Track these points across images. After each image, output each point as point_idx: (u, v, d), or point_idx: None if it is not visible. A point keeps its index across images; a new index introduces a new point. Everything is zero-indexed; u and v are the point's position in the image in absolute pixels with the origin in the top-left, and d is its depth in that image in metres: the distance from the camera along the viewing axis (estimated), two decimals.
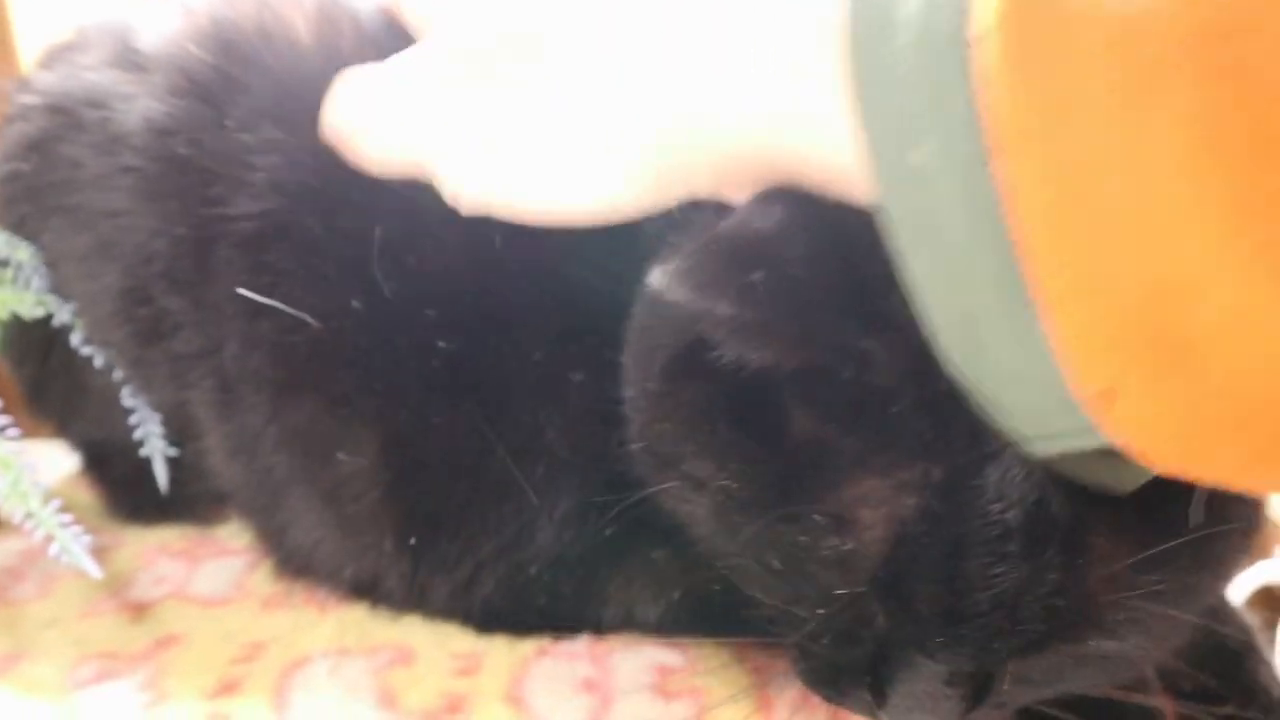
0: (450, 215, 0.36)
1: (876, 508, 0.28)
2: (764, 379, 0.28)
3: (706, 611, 0.40)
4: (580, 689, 0.38)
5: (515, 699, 0.38)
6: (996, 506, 0.26)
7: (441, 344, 0.38)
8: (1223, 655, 0.40)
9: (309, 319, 0.39)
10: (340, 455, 0.40)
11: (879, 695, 0.30)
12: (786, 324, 0.27)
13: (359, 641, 0.41)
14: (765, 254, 0.27)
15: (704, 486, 0.31)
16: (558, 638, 0.41)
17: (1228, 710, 0.38)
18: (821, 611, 0.30)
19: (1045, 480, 0.26)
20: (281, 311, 0.39)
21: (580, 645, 0.40)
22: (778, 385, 0.28)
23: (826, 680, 0.32)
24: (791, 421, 0.29)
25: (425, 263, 0.38)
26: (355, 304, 0.39)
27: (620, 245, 0.33)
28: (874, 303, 0.26)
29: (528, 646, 0.40)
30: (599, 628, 0.41)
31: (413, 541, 0.40)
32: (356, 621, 0.43)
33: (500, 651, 0.40)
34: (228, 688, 0.39)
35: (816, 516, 0.28)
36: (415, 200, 0.37)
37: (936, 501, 0.27)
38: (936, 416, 0.26)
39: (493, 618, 0.42)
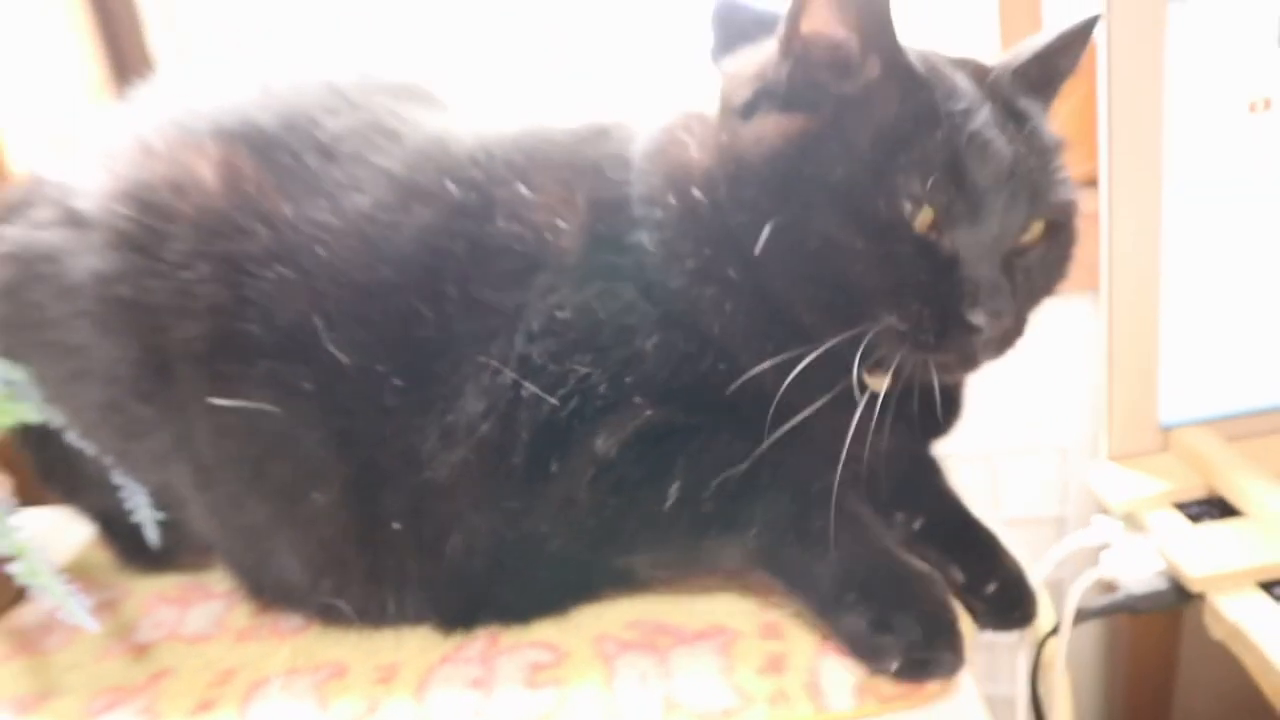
0: (373, 281, 0.48)
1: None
2: None
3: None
4: (470, 686, 0.48)
5: (420, 698, 0.48)
6: None
7: (397, 382, 0.49)
8: (982, 547, 0.52)
9: (270, 408, 0.49)
10: (314, 495, 0.50)
11: (971, 300, 0.43)
12: None
13: (306, 661, 0.52)
14: None
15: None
16: (461, 644, 0.51)
17: (992, 588, 0.51)
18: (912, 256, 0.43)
19: None
20: (243, 403, 0.49)
21: (475, 650, 0.50)
22: None
23: (928, 330, 0.44)
24: None
25: (370, 328, 0.49)
26: (306, 385, 0.49)
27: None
28: None
29: (434, 655, 0.51)
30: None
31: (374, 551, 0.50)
32: (306, 646, 0.53)
33: (414, 661, 0.51)
34: (205, 706, 0.50)
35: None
36: (345, 279, 0.48)
37: None
38: None
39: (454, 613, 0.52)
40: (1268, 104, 0.58)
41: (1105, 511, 0.60)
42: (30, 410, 0.57)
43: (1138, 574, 0.55)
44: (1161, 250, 0.59)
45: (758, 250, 0.45)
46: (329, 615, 0.54)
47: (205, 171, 0.52)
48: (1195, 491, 0.59)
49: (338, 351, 0.48)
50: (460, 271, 0.49)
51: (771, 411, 0.47)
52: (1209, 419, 0.63)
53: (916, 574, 0.48)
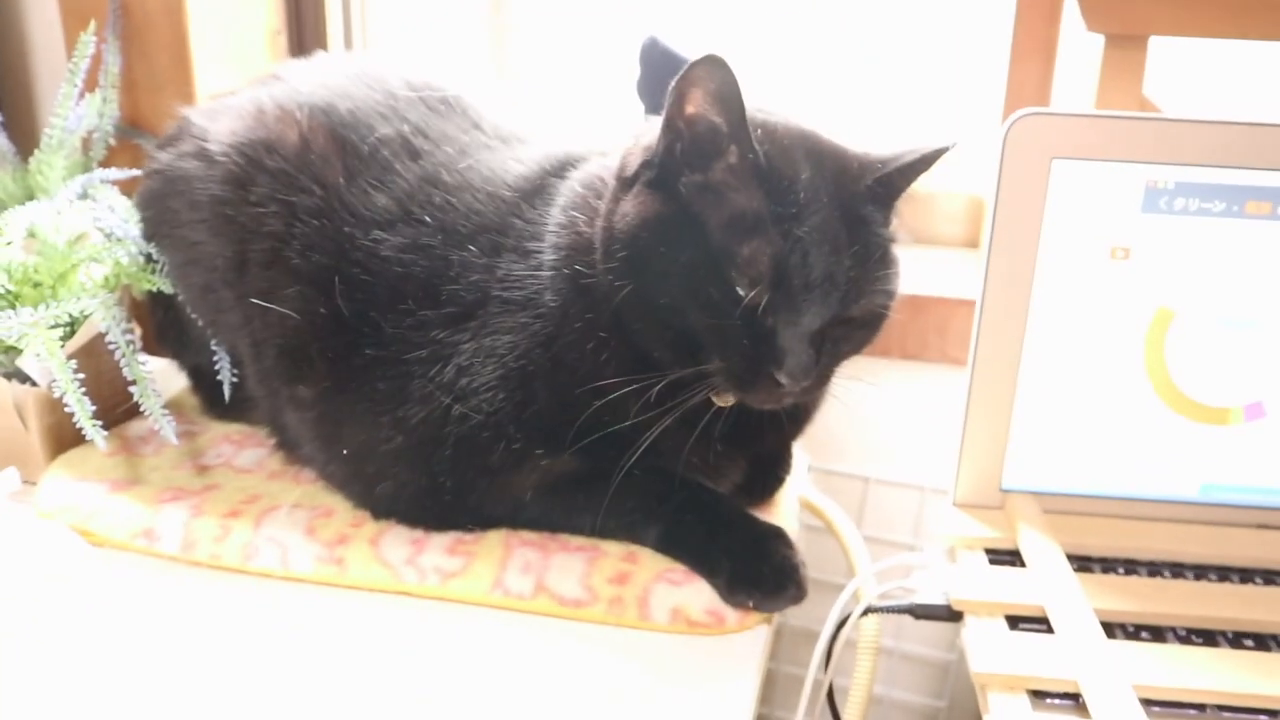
0: (368, 270, 0.66)
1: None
2: None
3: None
4: (409, 543, 0.68)
5: (375, 542, 0.68)
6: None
7: (369, 350, 0.66)
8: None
9: (293, 314, 0.69)
10: (300, 386, 0.69)
11: (778, 365, 0.55)
12: None
13: (309, 502, 0.73)
14: None
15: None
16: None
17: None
18: (739, 325, 0.55)
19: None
20: (273, 307, 0.69)
21: None
22: None
23: (745, 379, 0.56)
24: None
25: (362, 302, 0.66)
26: (321, 310, 0.69)
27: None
28: None
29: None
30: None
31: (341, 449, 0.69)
32: (311, 492, 0.74)
33: (376, 522, 0.70)
34: (233, 513, 0.71)
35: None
36: (355, 256, 0.67)
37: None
38: None
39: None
40: (1127, 253, 0.71)
41: (933, 541, 0.76)
42: (163, 282, 0.79)
43: (933, 591, 0.70)
44: (1022, 353, 0.74)
45: (619, 306, 0.58)
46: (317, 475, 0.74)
47: (292, 138, 0.71)
48: (1007, 544, 0.74)
49: (341, 302, 0.66)
50: (418, 296, 0.65)
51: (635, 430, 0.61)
52: (1039, 491, 0.77)
53: (765, 532, 0.65)
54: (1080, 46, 0.91)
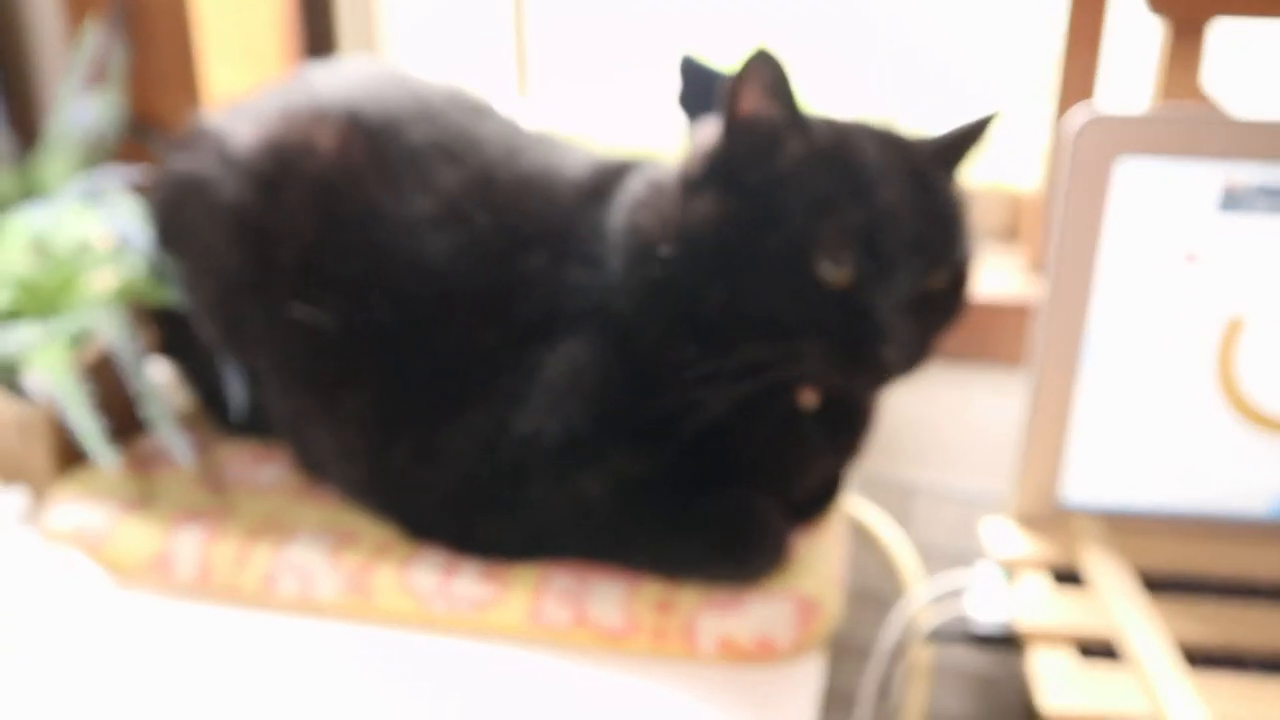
0: (411, 278, 0.62)
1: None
2: None
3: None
4: (439, 569, 0.64)
5: (402, 568, 0.64)
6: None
7: (421, 365, 0.63)
8: None
9: (329, 322, 0.65)
10: (345, 401, 0.66)
11: (881, 339, 0.54)
12: None
13: (331, 524, 0.69)
14: None
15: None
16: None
17: None
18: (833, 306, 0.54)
19: None
20: (313, 315, 0.66)
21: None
22: None
23: (847, 361, 0.55)
24: None
25: (405, 310, 0.63)
26: (357, 319, 0.65)
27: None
28: None
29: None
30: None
31: (394, 457, 0.65)
32: (333, 513, 0.70)
33: (404, 545, 0.66)
34: (252, 536, 0.67)
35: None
36: (395, 264, 0.63)
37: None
38: None
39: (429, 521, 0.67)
40: (1198, 257, 0.67)
41: (988, 559, 0.72)
42: (173, 294, 0.75)
43: (992, 616, 0.66)
44: (1084, 359, 0.70)
45: (708, 311, 0.56)
46: (346, 495, 0.71)
47: (326, 142, 0.67)
48: (1068, 563, 0.70)
49: (382, 313, 0.63)
50: (476, 304, 0.62)
51: (720, 439, 0.60)
52: (1101, 507, 0.73)
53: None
54: (1131, 34, 0.87)
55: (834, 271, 0.55)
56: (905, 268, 0.55)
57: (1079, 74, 0.89)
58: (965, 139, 0.60)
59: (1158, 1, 0.75)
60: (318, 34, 1.04)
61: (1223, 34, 0.78)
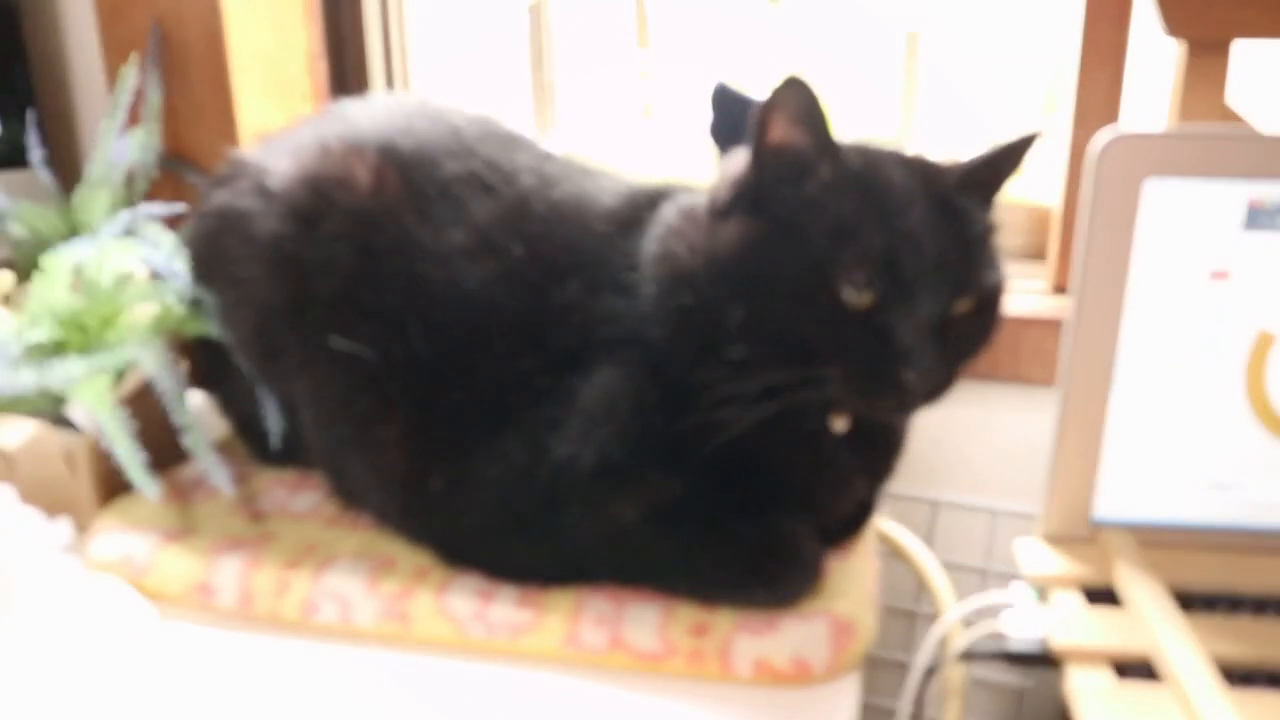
0: (447, 310, 0.63)
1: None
2: None
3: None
4: (476, 594, 0.65)
5: (440, 594, 0.65)
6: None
7: (457, 394, 0.64)
8: None
9: (367, 353, 0.66)
10: (380, 431, 0.67)
11: (904, 363, 0.54)
12: None
13: (369, 550, 0.70)
14: None
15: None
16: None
17: None
18: (856, 330, 0.55)
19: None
20: (351, 346, 0.67)
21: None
22: None
23: (869, 384, 0.55)
24: None
25: (442, 341, 0.64)
26: (395, 350, 0.66)
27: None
28: None
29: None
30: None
31: (430, 484, 0.65)
32: (370, 539, 0.71)
33: (441, 571, 0.67)
34: (291, 565, 0.68)
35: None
36: (431, 296, 0.64)
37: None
38: None
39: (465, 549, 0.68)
40: (1226, 274, 0.68)
41: (1020, 578, 0.72)
42: (211, 326, 0.76)
43: (1026, 634, 0.67)
44: (1115, 373, 0.70)
45: (732, 332, 0.57)
46: (382, 522, 0.72)
47: (363, 175, 0.69)
48: (1102, 581, 0.70)
49: (418, 344, 0.64)
50: (512, 333, 0.63)
51: (753, 463, 0.61)
52: (1132, 523, 0.73)
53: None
54: (1152, 53, 0.87)
55: (856, 295, 0.55)
56: (927, 291, 0.55)
57: (1098, 90, 0.89)
58: (998, 162, 0.60)
59: (1174, 24, 0.76)
60: (348, 69, 1.06)
61: (1246, 50, 0.79)
